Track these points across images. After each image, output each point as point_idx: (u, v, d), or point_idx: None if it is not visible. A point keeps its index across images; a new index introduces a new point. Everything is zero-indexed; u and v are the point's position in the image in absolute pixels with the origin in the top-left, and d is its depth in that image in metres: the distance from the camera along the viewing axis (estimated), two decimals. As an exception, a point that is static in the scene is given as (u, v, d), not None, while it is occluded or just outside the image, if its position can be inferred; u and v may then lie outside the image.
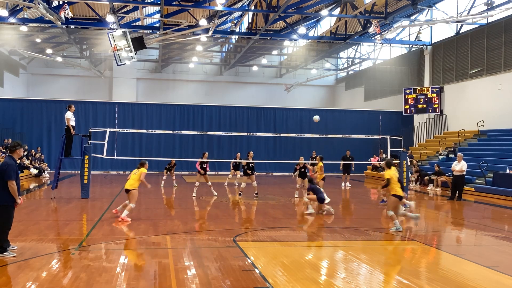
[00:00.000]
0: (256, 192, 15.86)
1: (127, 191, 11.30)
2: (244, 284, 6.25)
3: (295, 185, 16.84)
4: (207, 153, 16.87)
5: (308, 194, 13.15)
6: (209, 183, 16.20)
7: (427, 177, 20.99)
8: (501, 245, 9.29)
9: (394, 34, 27.96)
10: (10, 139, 25.33)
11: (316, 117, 17.53)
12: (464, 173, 16.25)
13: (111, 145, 25.27)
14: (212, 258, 7.62)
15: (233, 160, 20.59)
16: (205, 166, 16.08)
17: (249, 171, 15.79)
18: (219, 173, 27.75)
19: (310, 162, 21.30)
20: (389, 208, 10.38)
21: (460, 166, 16.11)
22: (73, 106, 15.56)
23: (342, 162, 21.38)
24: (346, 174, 21.36)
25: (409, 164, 19.33)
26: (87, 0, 21.87)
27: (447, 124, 26.60)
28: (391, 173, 10.37)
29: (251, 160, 15.86)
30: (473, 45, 24.35)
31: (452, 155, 21.91)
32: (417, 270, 7.33)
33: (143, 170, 11.36)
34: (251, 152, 16.44)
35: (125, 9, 24.84)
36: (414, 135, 29.39)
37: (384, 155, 25.13)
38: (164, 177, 20.04)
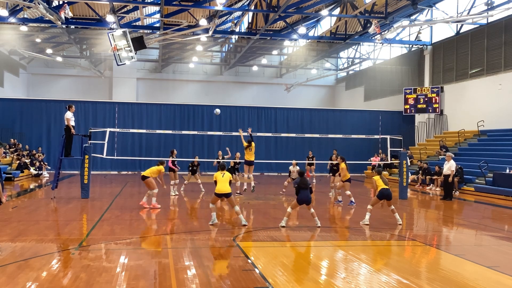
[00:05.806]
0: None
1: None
2: (244, 284, 6.24)
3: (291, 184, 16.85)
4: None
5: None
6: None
7: (428, 177, 20.96)
8: (501, 245, 9.28)
9: (394, 34, 27.94)
10: (16, 140, 25.37)
11: (217, 110, 17.67)
12: (453, 173, 16.23)
13: (111, 145, 25.26)
14: (212, 258, 7.61)
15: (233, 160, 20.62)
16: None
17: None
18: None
19: (306, 162, 21.29)
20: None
21: (448, 165, 16.07)
22: (73, 106, 15.46)
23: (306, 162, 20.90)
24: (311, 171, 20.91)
25: (409, 164, 19.28)
26: (87, 0, 21.88)
27: (447, 124, 26.59)
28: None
29: (238, 161, 17.14)
30: (473, 45, 24.34)
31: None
32: (417, 270, 7.33)
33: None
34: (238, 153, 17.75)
35: (125, 9, 24.83)
36: (415, 135, 29.39)
37: (384, 155, 25.14)
38: (186, 182, 17.30)
